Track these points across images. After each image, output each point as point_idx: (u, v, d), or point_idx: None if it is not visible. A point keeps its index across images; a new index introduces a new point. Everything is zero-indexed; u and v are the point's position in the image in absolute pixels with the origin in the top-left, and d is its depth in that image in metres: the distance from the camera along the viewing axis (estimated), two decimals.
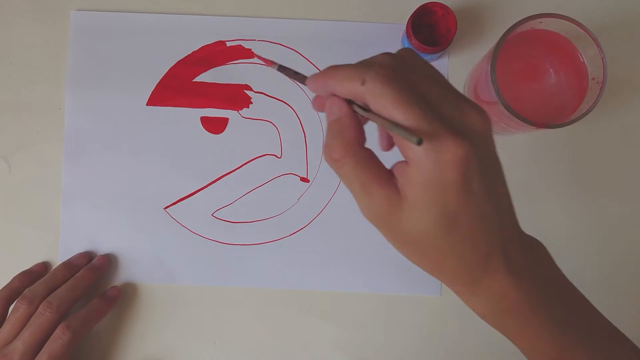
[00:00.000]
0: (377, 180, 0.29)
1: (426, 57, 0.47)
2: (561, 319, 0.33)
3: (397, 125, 0.26)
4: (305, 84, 0.32)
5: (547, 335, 0.33)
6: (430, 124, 0.27)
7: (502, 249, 0.31)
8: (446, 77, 0.50)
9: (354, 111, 0.29)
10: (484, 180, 0.29)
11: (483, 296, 0.32)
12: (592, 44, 0.40)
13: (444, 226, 0.29)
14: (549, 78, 0.43)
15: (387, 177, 0.29)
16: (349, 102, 0.29)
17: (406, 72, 0.28)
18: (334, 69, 0.29)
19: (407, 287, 0.49)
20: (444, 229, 0.29)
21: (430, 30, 0.47)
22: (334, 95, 0.30)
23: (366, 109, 0.28)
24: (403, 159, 0.29)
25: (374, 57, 0.29)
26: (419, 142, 0.26)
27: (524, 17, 0.40)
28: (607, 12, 0.50)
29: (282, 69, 0.35)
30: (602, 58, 0.40)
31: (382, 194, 0.29)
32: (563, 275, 0.35)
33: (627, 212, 0.49)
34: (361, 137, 0.30)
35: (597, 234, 0.49)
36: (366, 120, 0.30)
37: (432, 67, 0.30)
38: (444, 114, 0.28)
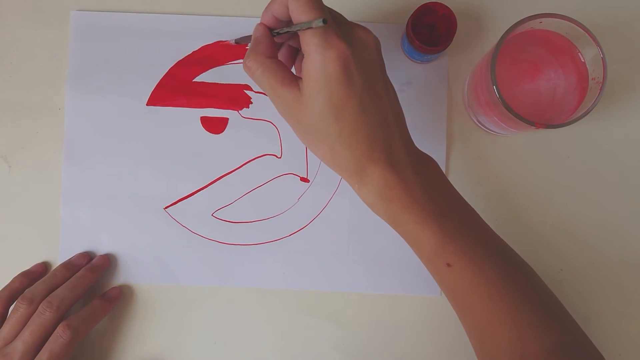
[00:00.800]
0: (282, 82, 0.37)
1: (426, 57, 0.47)
2: (442, 212, 0.38)
3: (307, 22, 0.34)
4: (260, 23, 0.39)
5: (426, 223, 0.38)
6: (326, 29, 0.35)
7: (385, 144, 0.37)
8: (445, 81, 0.50)
9: (271, 35, 0.38)
10: (365, 81, 0.36)
11: (369, 185, 0.38)
12: (592, 44, 0.40)
13: (332, 114, 0.36)
14: (549, 78, 0.43)
15: (292, 79, 0.37)
16: (270, 31, 0.38)
17: None
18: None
19: (407, 287, 0.49)
20: (332, 117, 0.36)
21: (430, 30, 0.47)
22: (259, 24, 0.39)
23: (280, 30, 0.37)
24: None
25: None
26: (325, 21, 0.33)
27: (524, 17, 0.40)
28: (607, 12, 0.50)
29: (239, 40, 0.44)
30: (602, 58, 0.40)
31: (286, 92, 0.37)
32: (450, 185, 0.41)
33: (627, 212, 0.49)
34: (271, 51, 0.38)
35: (598, 234, 0.49)
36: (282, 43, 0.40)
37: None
38: (339, 27, 0.36)
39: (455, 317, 0.49)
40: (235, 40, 0.44)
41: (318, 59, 0.35)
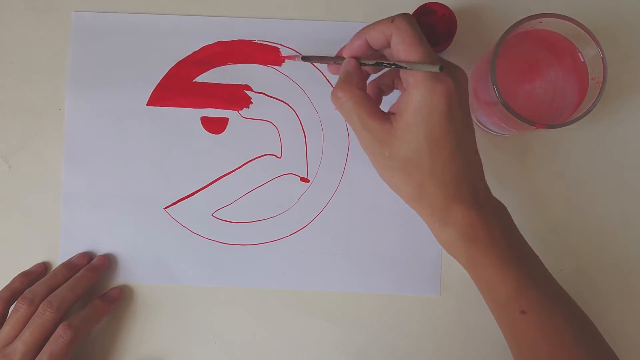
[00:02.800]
0: (372, 115, 0.37)
1: None
2: (519, 258, 0.39)
3: (420, 63, 0.35)
4: (335, 60, 0.41)
5: (506, 267, 0.38)
6: (434, 62, 0.35)
7: (472, 184, 0.38)
8: None
9: (362, 66, 0.39)
10: (462, 116, 0.37)
11: (452, 224, 0.38)
12: (592, 44, 0.40)
13: (428, 147, 0.36)
14: (549, 78, 0.43)
15: (381, 113, 0.38)
16: (358, 60, 0.39)
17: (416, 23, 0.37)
18: (366, 25, 0.39)
19: (407, 287, 0.49)
20: (429, 150, 0.36)
21: (430, 30, 0.47)
22: (349, 57, 0.39)
23: (381, 61, 0.38)
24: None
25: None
26: (441, 69, 0.34)
27: (524, 17, 0.40)
28: (607, 12, 0.50)
29: (308, 58, 0.44)
30: (602, 58, 0.40)
31: (377, 125, 0.37)
32: (521, 234, 0.41)
33: (627, 212, 0.49)
34: (362, 84, 0.38)
35: (598, 234, 0.49)
36: (368, 74, 0.41)
37: None
38: (441, 61, 0.37)
39: (455, 317, 0.49)
40: (303, 57, 0.44)
41: (425, 91, 0.35)
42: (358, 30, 0.39)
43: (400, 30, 0.36)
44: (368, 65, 0.39)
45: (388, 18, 0.37)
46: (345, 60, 0.39)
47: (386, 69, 0.43)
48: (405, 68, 0.36)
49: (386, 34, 0.37)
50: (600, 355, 0.39)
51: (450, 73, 0.36)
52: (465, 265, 0.39)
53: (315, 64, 0.45)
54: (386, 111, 0.39)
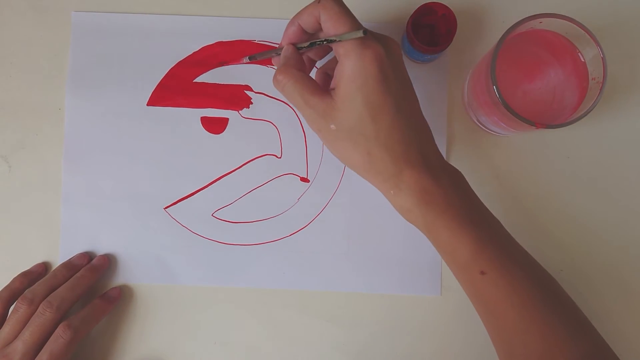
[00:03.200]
0: (313, 92, 0.38)
1: (426, 57, 0.47)
2: (477, 220, 0.39)
3: (347, 33, 0.36)
4: (280, 44, 0.42)
5: (464, 229, 0.38)
6: (361, 29, 0.36)
7: (420, 148, 0.38)
8: (446, 78, 0.50)
9: (298, 50, 0.40)
10: (399, 83, 0.38)
11: (406, 190, 0.38)
12: (592, 44, 0.40)
13: (369, 114, 0.37)
14: (549, 78, 0.43)
15: (323, 90, 0.38)
16: (297, 49, 0.40)
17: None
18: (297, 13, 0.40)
19: (407, 287, 0.49)
20: (369, 117, 0.37)
21: (430, 30, 0.47)
22: (287, 44, 0.40)
23: (311, 44, 0.39)
24: None
25: None
26: (365, 32, 0.35)
27: (524, 17, 0.40)
28: (607, 12, 0.50)
29: (253, 57, 0.45)
30: (602, 58, 0.40)
31: (318, 101, 0.38)
32: (477, 197, 0.41)
33: (627, 212, 0.49)
34: (300, 66, 0.40)
35: (598, 234, 0.49)
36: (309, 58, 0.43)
37: None
38: (370, 32, 0.37)
39: (455, 317, 0.49)
40: (249, 57, 0.45)
41: (355, 59, 0.36)
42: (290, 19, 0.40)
43: (326, 8, 0.37)
44: (304, 48, 0.40)
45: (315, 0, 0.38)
46: (283, 48, 0.41)
47: (329, 56, 0.45)
48: (334, 40, 0.36)
49: (315, 14, 0.38)
50: (568, 315, 0.39)
51: (379, 40, 0.37)
52: (423, 229, 0.40)
53: (260, 60, 0.46)
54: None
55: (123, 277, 0.49)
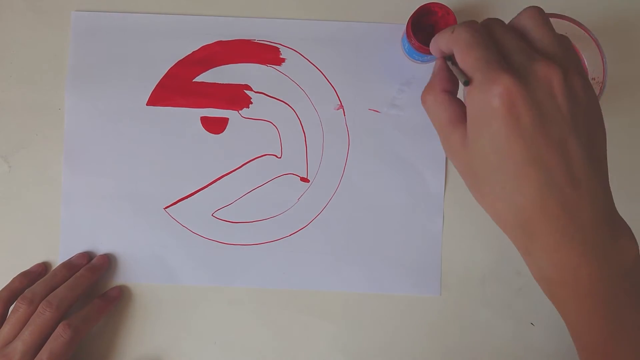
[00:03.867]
0: (450, 120, 0.32)
1: (426, 58, 0.47)
2: (619, 305, 0.30)
3: (455, 67, 0.32)
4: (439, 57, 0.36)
5: (599, 317, 0.30)
6: (489, 62, 0.29)
7: (564, 210, 0.29)
8: None
9: (447, 68, 0.34)
10: (540, 123, 0.29)
11: (538, 260, 0.31)
12: (592, 44, 0.40)
13: (494, 161, 0.30)
14: None
15: (461, 119, 0.32)
16: (447, 60, 0.34)
17: (493, 26, 0.32)
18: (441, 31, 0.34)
19: (407, 287, 0.49)
20: (494, 165, 0.30)
21: (430, 30, 0.47)
22: (439, 57, 0.35)
23: (451, 65, 0.34)
24: None
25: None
26: (465, 84, 0.30)
27: None
28: (607, 12, 0.50)
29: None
30: (602, 58, 0.40)
31: (451, 131, 0.32)
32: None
33: (627, 212, 0.49)
34: (446, 85, 0.34)
35: None
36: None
37: (517, 30, 0.33)
38: (509, 58, 0.30)
39: (455, 317, 0.49)
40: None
41: (478, 96, 0.30)
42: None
43: (456, 40, 0.31)
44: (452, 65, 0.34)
45: (451, 27, 0.33)
46: (436, 63, 0.36)
47: None
48: (452, 68, 0.33)
49: (449, 45, 0.32)
50: None
51: (519, 70, 0.29)
52: (550, 297, 0.32)
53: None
54: None
55: (123, 277, 0.49)
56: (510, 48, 0.31)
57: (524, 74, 0.29)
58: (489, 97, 0.29)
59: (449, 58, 0.35)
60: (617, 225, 0.31)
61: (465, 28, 0.31)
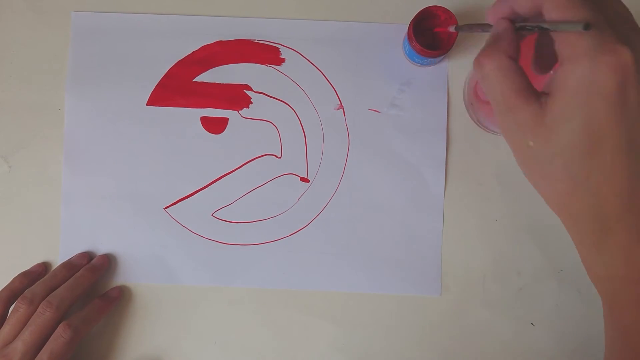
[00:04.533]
0: (518, 92, 0.28)
1: (426, 61, 0.47)
2: None
3: (562, 21, 0.26)
4: (486, 19, 0.32)
5: None
6: (600, 27, 0.25)
7: None
8: (446, 80, 0.50)
9: (516, 30, 0.29)
10: None
11: (608, 256, 0.28)
12: None
13: (586, 145, 0.26)
14: (549, 78, 0.43)
15: (531, 92, 0.28)
16: (514, 27, 0.30)
17: None
18: None
19: (407, 287, 0.49)
20: (586, 149, 0.26)
21: (432, 34, 0.47)
22: (502, 18, 0.30)
23: (529, 25, 0.29)
24: None
25: None
26: (586, 27, 0.25)
27: None
28: None
29: (461, 27, 0.39)
30: None
31: (522, 105, 0.28)
32: None
33: None
34: (512, 51, 0.29)
35: None
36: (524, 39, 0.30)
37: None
38: (614, 25, 0.26)
39: (455, 317, 0.49)
40: (456, 27, 0.39)
41: (586, 63, 0.25)
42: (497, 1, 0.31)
43: None
44: (523, 30, 0.30)
45: None
46: (498, 23, 0.30)
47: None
48: (548, 29, 0.27)
49: (535, 5, 0.28)
50: None
51: (629, 40, 0.26)
52: (605, 302, 0.31)
53: (466, 33, 0.39)
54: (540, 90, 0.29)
55: (123, 277, 0.49)
56: (613, 15, 0.27)
57: (628, 40, 0.26)
58: (601, 69, 0.25)
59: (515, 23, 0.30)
60: None
61: None
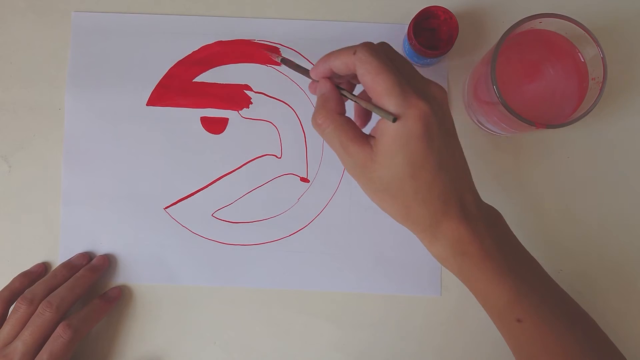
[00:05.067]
0: (353, 140, 0.36)
1: (427, 61, 0.47)
2: (514, 267, 0.38)
3: (376, 106, 0.35)
4: (309, 75, 0.40)
5: (499, 278, 0.38)
6: (403, 88, 0.34)
7: (458, 199, 0.37)
8: (446, 80, 0.50)
9: (340, 93, 0.38)
10: (442, 137, 0.36)
11: (443, 240, 0.37)
12: (592, 44, 0.40)
13: (409, 172, 0.35)
14: (549, 78, 0.43)
15: (363, 138, 0.36)
16: (337, 87, 0.38)
17: (387, 51, 0.37)
18: (330, 52, 0.38)
19: (407, 287, 0.49)
20: (410, 175, 0.35)
21: (432, 34, 0.47)
22: (324, 78, 0.38)
23: (349, 94, 0.38)
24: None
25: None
26: (394, 120, 0.34)
27: (524, 17, 0.40)
28: (607, 12, 0.50)
29: (286, 61, 0.44)
30: (602, 58, 0.40)
31: (358, 150, 0.36)
32: (517, 240, 0.40)
33: (627, 212, 0.49)
34: (340, 108, 0.38)
35: (598, 234, 0.49)
36: (346, 99, 0.39)
37: (402, 56, 0.38)
38: (413, 83, 0.35)
39: (455, 317, 0.49)
40: (282, 59, 0.45)
41: (397, 121, 0.34)
42: (323, 56, 0.38)
43: (363, 62, 0.35)
44: (342, 91, 0.38)
45: (350, 48, 0.36)
46: (320, 83, 0.39)
47: None
48: (367, 106, 0.35)
49: (349, 65, 0.36)
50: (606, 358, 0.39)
51: (424, 94, 0.35)
52: (459, 278, 0.39)
53: (289, 67, 0.44)
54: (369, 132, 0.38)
55: (123, 277, 0.49)
56: (408, 73, 0.36)
57: (425, 96, 0.35)
58: (409, 122, 0.34)
59: (338, 87, 0.38)
60: (489, 207, 0.39)
61: (369, 51, 0.35)
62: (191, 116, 0.50)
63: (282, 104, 0.50)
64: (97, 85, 0.50)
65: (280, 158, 0.50)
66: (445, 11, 0.45)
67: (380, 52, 0.35)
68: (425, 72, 0.50)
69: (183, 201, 0.50)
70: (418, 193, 0.36)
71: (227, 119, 0.50)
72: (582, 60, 0.42)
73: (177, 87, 0.50)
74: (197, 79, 0.50)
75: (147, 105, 0.50)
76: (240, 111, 0.50)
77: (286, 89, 0.50)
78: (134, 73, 0.50)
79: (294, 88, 0.50)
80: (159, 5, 0.50)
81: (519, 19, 0.40)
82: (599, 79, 0.40)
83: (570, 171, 0.49)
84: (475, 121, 0.49)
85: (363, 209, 0.49)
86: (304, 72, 0.42)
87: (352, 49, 0.36)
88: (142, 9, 0.50)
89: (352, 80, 0.40)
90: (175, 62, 0.50)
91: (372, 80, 0.34)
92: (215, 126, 0.50)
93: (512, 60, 0.43)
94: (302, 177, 0.50)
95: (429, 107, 0.34)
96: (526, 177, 0.49)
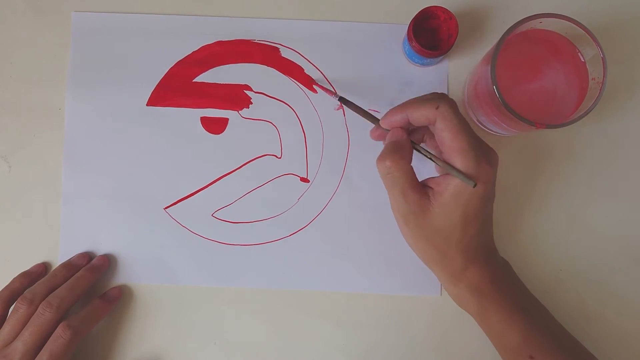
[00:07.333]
0: (414, 189, 0.40)
1: (426, 61, 0.47)
2: (525, 307, 0.42)
3: (455, 169, 0.38)
4: (373, 120, 0.43)
5: (514, 317, 0.41)
6: (476, 152, 0.38)
7: (486, 247, 0.42)
8: (446, 80, 0.50)
9: (414, 147, 0.40)
10: (493, 195, 0.41)
11: (465, 281, 0.41)
12: (592, 44, 0.40)
13: (461, 225, 0.39)
14: (549, 78, 0.43)
15: (422, 187, 0.40)
16: (411, 142, 0.41)
17: (459, 111, 0.39)
18: (405, 103, 0.40)
19: (407, 287, 0.49)
20: (461, 227, 0.39)
21: (432, 34, 0.47)
22: (398, 127, 0.41)
23: (427, 152, 0.40)
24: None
25: (434, 93, 0.40)
26: (474, 185, 0.37)
27: (524, 17, 0.40)
28: (607, 12, 0.50)
29: (345, 102, 0.45)
30: (602, 58, 0.40)
31: (416, 199, 0.40)
32: (523, 284, 0.44)
33: (627, 212, 0.49)
34: (410, 158, 0.40)
35: (597, 234, 0.49)
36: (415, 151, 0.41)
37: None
38: (481, 147, 0.39)
39: (455, 317, 0.49)
40: (340, 98, 0.46)
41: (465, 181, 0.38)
42: (396, 106, 0.40)
43: (444, 119, 0.37)
44: (415, 146, 0.40)
45: (432, 102, 0.38)
46: (393, 131, 0.41)
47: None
48: (446, 168, 0.38)
49: (430, 118, 0.38)
50: None
51: (488, 159, 0.39)
52: (475, 316, 0.43)
53: (353, 111, 0.45)
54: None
55: (123, 277, 0.49)
56: (474, 134, 0.39)
57: (489, 162, 0.39)
58: (478, 184, 0.38)
59: (412, 143, 0.40)
60: (501, 256, 0.45)
61: (452, 108, 0.38)
62: (191, 116, 0.50)
63: (282, 104, 0.50)
64: (97, 85, 0.50)
65: (280, 158, 0.50)
66: (445, 11, 0.45)
67: (458, 110, 0.38)
68: (425, 72, 0.50)
69: (183, 201, 0.50)
70: (460, 243, 0.40)
71: (227, 119, 0.50)
72: (582, 60, 0.42)
73: (177, 87, 0.50)
74: (197, 79, 0.50)
75: (147, 105, 0.50)
76: (240, 111, 0.50)
77: (286, 89, 0.50)
78: (134, 73, 0.50)
79: (294, 88, 0.50)
80: (159, 5, 0.50)
81: (519, 19, 0.40)
82: (599, 79, 0.40)
83: (570, 171, 0.49)
84: (476, 121, 0.49)
85: (363, 209, 0.50)
86: (367, 116, 0.44)
87: (434, 103, 0.38)
88: (142, 9, 0.50)
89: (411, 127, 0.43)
90: (175, 62, 0.50)
91: (451, 138, 0.37)
92: (215, 126, 0.50)
93: (512, 60, 0.43)
94: (302, 177, 0.50)
95: (493, 174, 0.39)
96: (526, 177, 0.49)
